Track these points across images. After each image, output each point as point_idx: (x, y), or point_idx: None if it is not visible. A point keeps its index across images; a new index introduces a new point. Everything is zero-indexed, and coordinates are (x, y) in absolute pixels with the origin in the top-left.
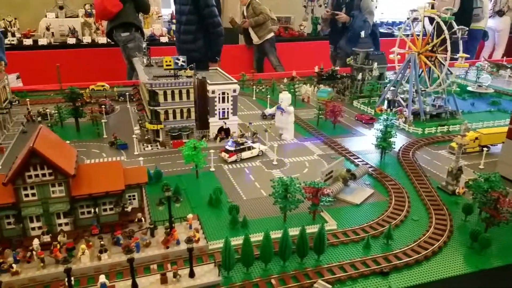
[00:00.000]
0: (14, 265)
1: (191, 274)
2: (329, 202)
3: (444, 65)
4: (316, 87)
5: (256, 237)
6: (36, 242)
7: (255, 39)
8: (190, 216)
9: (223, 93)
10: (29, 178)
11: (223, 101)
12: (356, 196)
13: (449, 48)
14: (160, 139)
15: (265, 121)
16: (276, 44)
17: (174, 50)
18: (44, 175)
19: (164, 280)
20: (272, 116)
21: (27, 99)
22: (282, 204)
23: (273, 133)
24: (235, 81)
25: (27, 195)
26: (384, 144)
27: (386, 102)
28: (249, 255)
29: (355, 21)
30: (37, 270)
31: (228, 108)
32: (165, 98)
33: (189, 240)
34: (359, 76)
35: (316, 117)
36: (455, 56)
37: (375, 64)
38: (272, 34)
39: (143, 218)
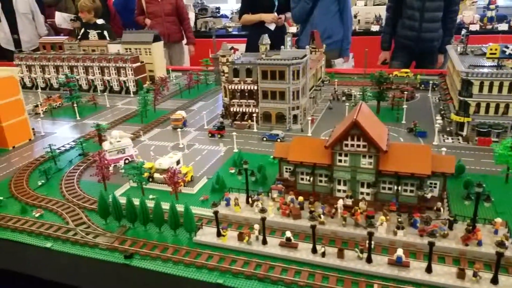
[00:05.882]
0: (322, 216)
1: (495, 280)
2: None
3: None
4: None
5: None
6: (340, 202)
7: None
8: (498, 220)
9: None
10: (345, 146)
11: None
12: None
13: None
14: (464, 133)
15: None
16: None
17: (487, 39)
18: (358, 146)
19: (461, 275)
20: None
21: (335, 80)
22: None
23: None
24: None
25: (340, 161)
26: None
27: None
28: None
29: None
30: (339, 226)
31: None
32: (480, 90)
33: (501, 244)
34: None
35: None
36: None
37: None
38: None
39: (441, 208)
